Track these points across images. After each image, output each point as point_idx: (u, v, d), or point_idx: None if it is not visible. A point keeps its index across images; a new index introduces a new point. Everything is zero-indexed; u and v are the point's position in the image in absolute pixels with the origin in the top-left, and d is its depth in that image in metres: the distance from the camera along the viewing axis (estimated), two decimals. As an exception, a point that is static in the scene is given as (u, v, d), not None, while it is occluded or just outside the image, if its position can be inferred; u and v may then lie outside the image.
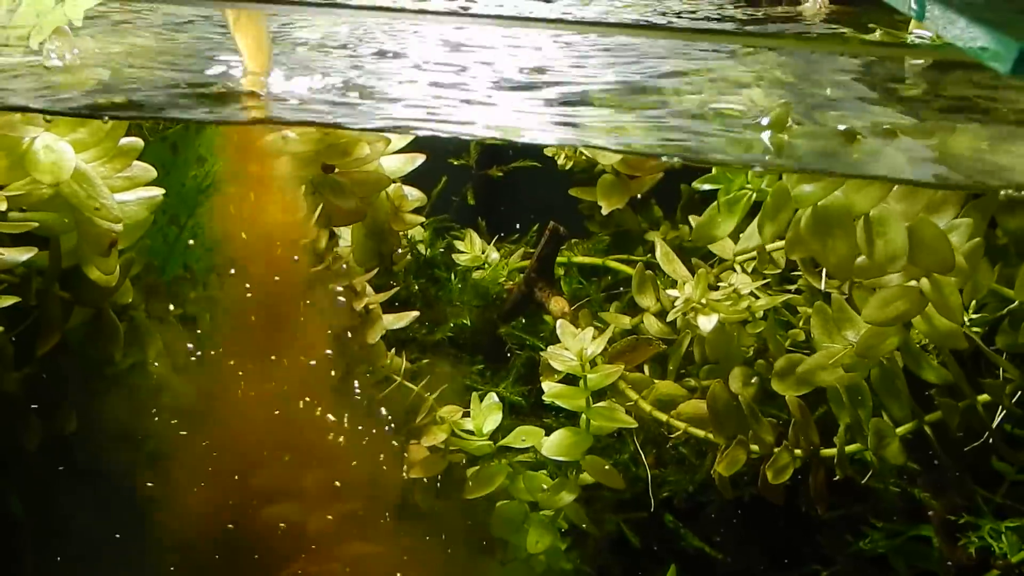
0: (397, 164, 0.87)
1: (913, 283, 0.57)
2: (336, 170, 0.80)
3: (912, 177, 0.49)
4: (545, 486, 0.84)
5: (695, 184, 0.62)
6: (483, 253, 0.98)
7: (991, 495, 0.82)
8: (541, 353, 0.81)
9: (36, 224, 0.69)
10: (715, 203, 0.59)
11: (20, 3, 0.57)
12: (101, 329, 0.82)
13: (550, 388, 0.81)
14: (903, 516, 0.83)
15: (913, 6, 0.44)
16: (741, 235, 0.60)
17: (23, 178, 0.66)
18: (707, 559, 0.87)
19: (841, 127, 0.52)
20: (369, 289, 0.85)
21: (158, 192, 0.78)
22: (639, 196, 0.98)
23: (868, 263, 0.54)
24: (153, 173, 0.77)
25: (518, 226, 1.09)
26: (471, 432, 0.83)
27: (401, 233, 0.94)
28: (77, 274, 0.79)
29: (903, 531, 0.84)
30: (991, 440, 0.72)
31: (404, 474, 0.85)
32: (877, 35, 0.84)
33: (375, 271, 0.85)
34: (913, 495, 0.80)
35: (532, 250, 1.02)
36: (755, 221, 0.58)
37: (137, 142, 0.73)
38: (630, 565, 0.89)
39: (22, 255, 0.69)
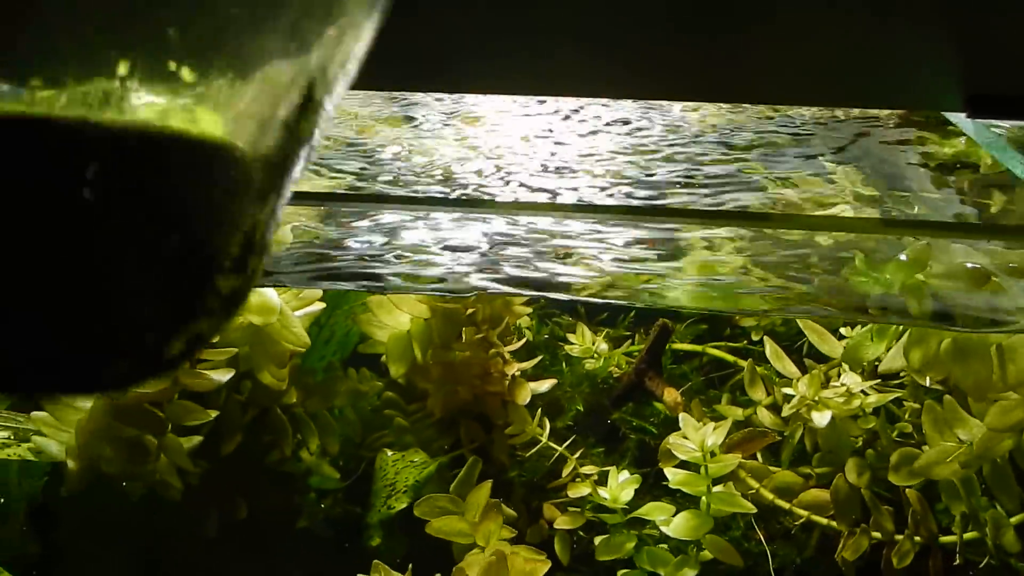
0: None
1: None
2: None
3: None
4: (667, 560, 0.92)
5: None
6: (593, 344, 1.07)
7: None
8: (668, 440, 0.89)
9: (236, 350, 0.79)
10: (867, 328, 0.68)
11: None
12: (269, 425, 0.92)
13: (673, 475, 0.89)
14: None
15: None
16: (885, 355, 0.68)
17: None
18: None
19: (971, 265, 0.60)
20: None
21: (321, 306, 0.89)
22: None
23: (1001, 384, 0.63)
24: (319, 293, 0.87)
25: (607, 311, 1.18)
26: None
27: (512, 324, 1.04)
28: (249, 377, 0.89)
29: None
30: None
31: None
32: (962, 143, 0.92)
33: (523, 342, 0.95)
34: (1009, 565, 0.88)
35: (627, 333, 1.12)
36: (899, 344, 0.67)
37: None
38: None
39: (224, 375, 0.79)
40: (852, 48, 0.44)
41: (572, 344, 1.07)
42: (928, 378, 0.78)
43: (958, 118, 0.75)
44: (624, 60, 0.48)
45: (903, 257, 0.63)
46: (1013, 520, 0.72)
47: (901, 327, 0.67)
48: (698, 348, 1.08)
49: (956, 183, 0.74)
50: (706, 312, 0.91)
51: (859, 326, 0.86)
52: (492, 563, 0.73)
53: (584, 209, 0.68)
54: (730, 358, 1.03)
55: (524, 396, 0.90)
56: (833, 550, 0.88)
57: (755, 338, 1.07)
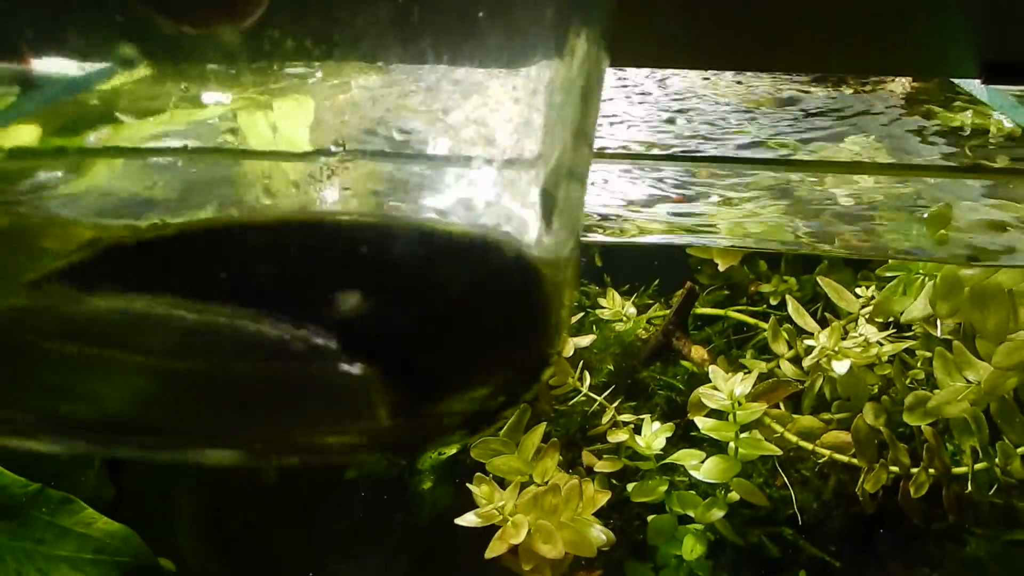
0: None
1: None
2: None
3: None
4: (695, 502, 1.00)
5: (879, 271, 0.79)
6: (623, 308, 1.14)
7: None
8: (698, 391, 0.97)
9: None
10: (895, 283, 0.76)
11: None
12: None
13: (703, 423, 0.97)
14: (1002, 524, 0.98)
15: None
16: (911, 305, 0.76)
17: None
18: (831, 566, 1.03)
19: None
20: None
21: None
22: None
23: (1014, 326, 0.70)
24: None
25: (632, 279, 1.26)
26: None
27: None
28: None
29: (997, 536, 1.00)
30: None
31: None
32: (969, 116, 0.99)
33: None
34: (1012, 505, 0.95)
35: (651, 301, 1.20)
36: (922, 295, 0.75)
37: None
38: (766, 572, 1.05)
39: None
40: (864, 16, 0.46)
41: (603, 308, 1.15)
42: (939, 327, 0.86)
43: (971, 85, 0.82)
44: (645, 32, 0.51)
45: (925, 215, 0.70)
46: (1020, 450, 0.80)
47: (927, 281, 0.75)
48: (720, 312, 1.16)
49: (965, 147, 0.81)
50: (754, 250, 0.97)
51: (873, 286, 0.94)
52: (574, 485, 0.81)
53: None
54: (751, 321, 1.11)
55: (567, 349, 0.98)
56: (850, 495, 0.96)
57: (773, 303, 1.15)
